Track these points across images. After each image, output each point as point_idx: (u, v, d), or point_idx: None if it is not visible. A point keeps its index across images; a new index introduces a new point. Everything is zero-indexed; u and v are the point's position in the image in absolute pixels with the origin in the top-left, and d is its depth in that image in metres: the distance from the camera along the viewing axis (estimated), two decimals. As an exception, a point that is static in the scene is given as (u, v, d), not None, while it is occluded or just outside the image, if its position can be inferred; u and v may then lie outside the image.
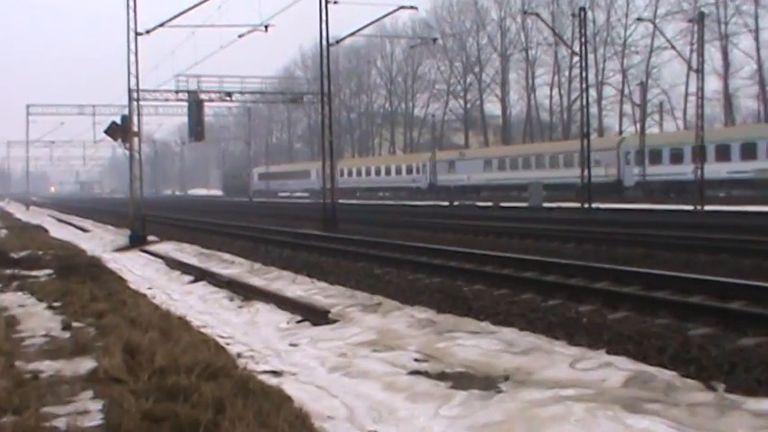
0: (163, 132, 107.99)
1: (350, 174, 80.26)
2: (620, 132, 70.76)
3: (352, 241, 20.91)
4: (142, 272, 18.42)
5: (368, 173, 78.61)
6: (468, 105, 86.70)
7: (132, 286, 14.13)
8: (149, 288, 14.77)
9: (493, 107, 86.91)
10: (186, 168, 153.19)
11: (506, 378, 7.01)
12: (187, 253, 21.10)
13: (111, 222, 37.55)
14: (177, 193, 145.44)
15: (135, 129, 26.61)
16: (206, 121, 38.75)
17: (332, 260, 17.36)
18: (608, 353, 7.59)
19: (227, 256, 19.17)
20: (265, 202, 70.82)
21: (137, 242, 25.23)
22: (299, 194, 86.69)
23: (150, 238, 26.05)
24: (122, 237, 27.56)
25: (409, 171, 72.45)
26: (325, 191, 29.67)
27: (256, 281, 14.41)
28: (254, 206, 58.74)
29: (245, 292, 13.34)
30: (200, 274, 16.25)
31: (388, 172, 75.73)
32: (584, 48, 37.69)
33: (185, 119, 40.96)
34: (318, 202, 33.56)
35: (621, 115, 72.16)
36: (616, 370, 6.82)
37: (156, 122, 77.98)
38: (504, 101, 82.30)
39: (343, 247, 19.51)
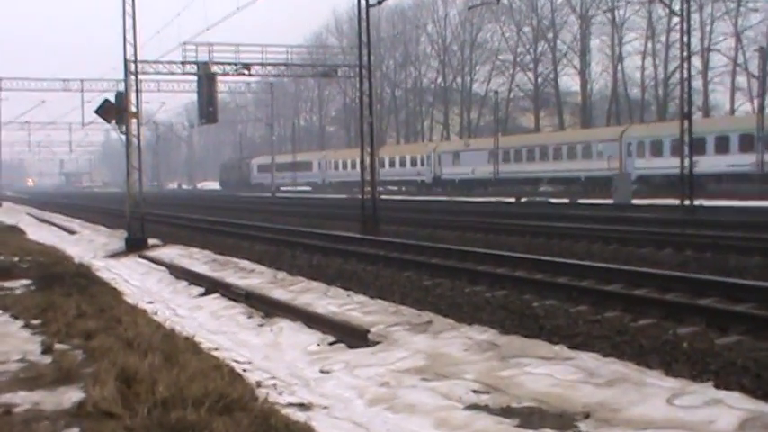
0: (167, 113, 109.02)
1: (345, 166, 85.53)
2: (732, 111, 69.82)
3: (397, 246, 20.92)
4: (141, 282, 18.58)
5: None
6: (540, 80, 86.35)
7: (129, 300, 14.25)
8: (150, 302, 14.89)
9: (570, 82, 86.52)
10: (195, 157, 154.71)
11: (586, 416, 6.93)
12: (196, 259, 21.26)
13: (103, 222, 38.00)
14: (184, 186, 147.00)
15: (133, 108, 26.85)
16: (219, 100, 38.95)
17: (372, 268, 17.39)
18: (716, 387, 7.46)
19: (244, 263, 19.27)
20: (291, 198, 71.27)
21: (135, 246, 25.49)
22: (300, 189, 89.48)
23: (151, 241, 26.30)
24: (117, 240, 27.86)
25: (414, 163, 77.41)
26: (364, 184, 29.68)
27: (280, 293, 14.47)
28: (277, 202, 59.12)
29: (266, 308, 13.40)
30: (211, 286, 16.35)
31: (392, 164, 79.73)
32: (686, 5, 37.17)
33: (194, 96, 41.27)
34: (353, 198, 33.48)
35: (734, 90, 71.16)
36: (727, 409, 6.69)
37: (159, 101, 78.76)
38: (583, 74, 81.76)
39: (385, 253, 19.51)
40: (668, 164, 49.75)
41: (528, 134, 76.91)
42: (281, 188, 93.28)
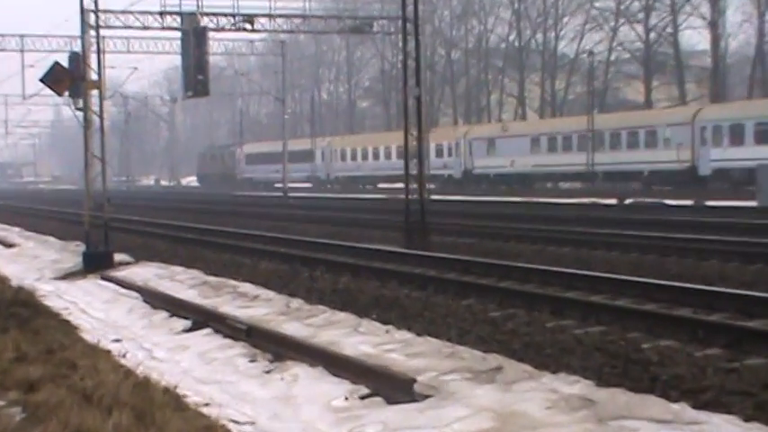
0: (140, 83, 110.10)
1: (355, 157, 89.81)
2: None
3: (453, 263, 20.93)
4: (104, 313, 18.66)
5: (375, 156, 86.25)
6: (653, 36, 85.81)
7: (87, 337, 14.34)
8: (117, 340, 14.99)
9: (696, 38, 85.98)
10: (179, 143, 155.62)
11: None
12: (180, 282, 21.35)
13: (52, 231, 38.26)
14: (163, 182, 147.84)
15: (93, 75, 26.97)
16: (212, 65, 39.13)
17: (420, 295, 17.40)
18: None
19: (246, 286, 19.35)
20: (306, 198, 71.52)
21: (96, 264, 25.61)
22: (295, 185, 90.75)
23: (118, 257, 26.44)
24: (71, 255, 28.04)
25: (439, 153, 78.12)
26: (409, 181, 29.60)
27: (294, 328, 14.50)
28: (287, 204, 59.29)
29: (275, 348, 13.44)
30: (201, 318, 16.40)
31: None
32: None
33: (177, 60, 41.54)
34: (394, 199, 33.51)
35: None
36: None
37: (129, 65, 79.08)
38: (715, 26, 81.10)
39: (437, 274, 19.51)
40: (751, 154, 51.25)
41: (576, 117, 77.44)
42: (275, 185, 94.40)
